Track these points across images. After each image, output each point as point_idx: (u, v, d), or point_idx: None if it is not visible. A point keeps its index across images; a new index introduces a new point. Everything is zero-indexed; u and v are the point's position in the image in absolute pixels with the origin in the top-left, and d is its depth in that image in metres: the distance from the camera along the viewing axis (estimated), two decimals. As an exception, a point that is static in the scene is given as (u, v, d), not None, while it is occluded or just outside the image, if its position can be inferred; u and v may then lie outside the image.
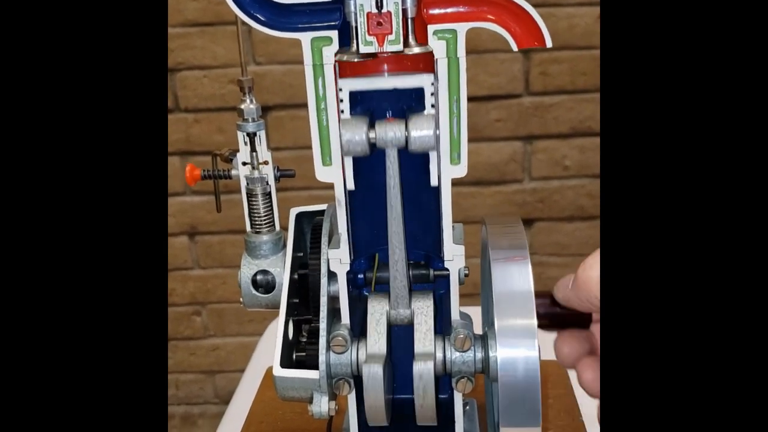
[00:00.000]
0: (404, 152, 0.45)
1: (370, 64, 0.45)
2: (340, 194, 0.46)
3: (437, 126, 0.44)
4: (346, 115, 0.44)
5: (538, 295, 0.44)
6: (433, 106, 0.44)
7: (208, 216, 1.30)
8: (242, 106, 0.50)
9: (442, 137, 0.44)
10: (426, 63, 0.44)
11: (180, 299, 1.36)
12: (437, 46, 0.42)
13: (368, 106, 0.45)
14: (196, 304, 1.37)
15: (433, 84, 0.43)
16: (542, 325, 0.46)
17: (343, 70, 0.45)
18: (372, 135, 0.44)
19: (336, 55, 0.43)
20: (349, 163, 0.45)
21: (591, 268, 0.43)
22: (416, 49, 0.42)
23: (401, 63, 0.45)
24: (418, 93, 0.44)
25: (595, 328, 0.46)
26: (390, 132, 0.43)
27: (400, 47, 0.41)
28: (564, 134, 1.22)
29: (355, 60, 0.43)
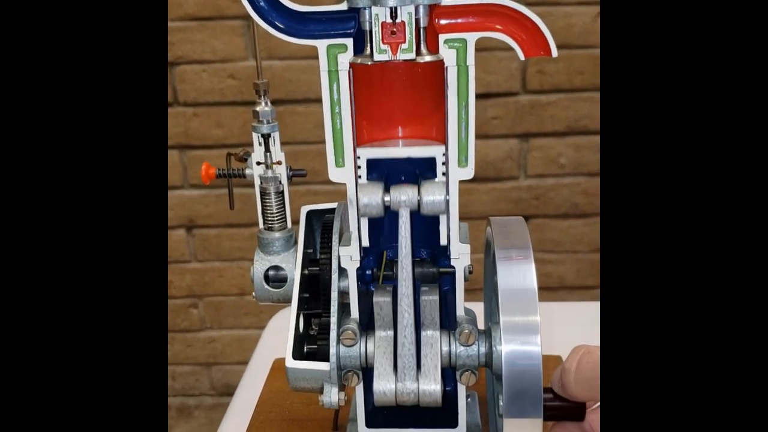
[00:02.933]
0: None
1: (386, 133, 0.50)
2: (351, 194, 0.48)
3: (447, 191, 0.47)
4: (363, 180, 0.48)
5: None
6: (444, 174, 0.47)
7: (205, 209, 1.30)
8: (257, 109, 0.51)
9: (450, 141, 0.46)
10: (438, 131, 0.48)
11: (177, 292, 1.38)
12: (448, 55, 0.44)
13: (384, 171, 0.49)
14: (193, 296, 1.38)
15: (444, 155, 0.47)
16: (548, 418, 0.47)
17: (361, 137, 0.48)
18: (387, 198, 0.47)
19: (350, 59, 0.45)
20: (364, 223, 0.49)
21: (568, 372, 0.45)
22: (428, 58, 0.44)
23: (416, 129, 0.50)
24: (430, 161, 0.48)
25: (591, 417, 0.48)
26: (403, 196, 0.47)
27: (412, 56, 0.43)
28: (560, 132, 1.23)
29: (369, 63, 0.44)
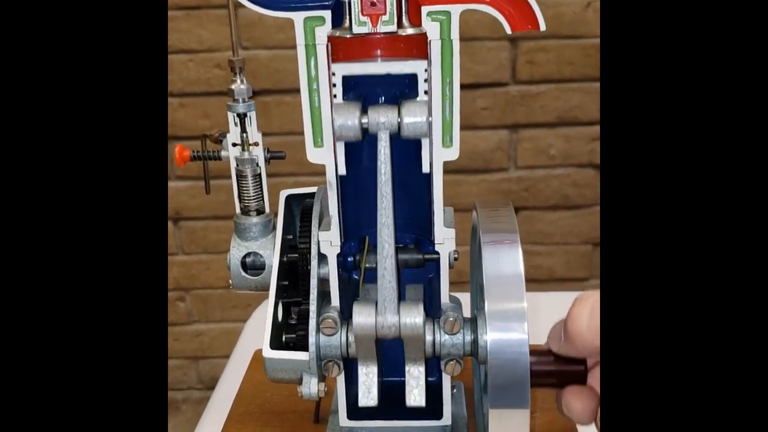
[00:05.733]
0: (396, 137, 0.45)
1: (364, 48, 0.44)
2: (331, 176, 0.46)
3: (430, 113, 0.44)
4: (339, 99, 0.44)
5: (534, 352, 0.43)
6: (426, 92, 0.44)
7: (192, 201, 1.29)
8: (233, 87, 0.49)
9: (434, 120, 0.44)
10: (420, 49, 0.44)
11: (164, 285, 1.36)
12: (431, 28, 0.42)
13: (361, 92, 0.45)
14: (180, 289, 1.37)
15: (426, 70, 0.43)
16: (545, 384, 0.45)
17: (336, 54, 0.44)
18: (364, 120, 0.44)
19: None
20: (341, 148, 0.45)
21: (580, 319, 0.42)
22: (410, 30, 0.42)
23: (395, 48, 0.45)
24: (411, 79, 0.44)
25: (592, 376, 0.46)
26: (383, 117, 0.43)
27: (393, 28, 0.41)
28: (550, 123, 1.22)
29: (348, 36, 0.42)
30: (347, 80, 0.44)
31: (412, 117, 0.43)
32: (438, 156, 0.45)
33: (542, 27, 0.41)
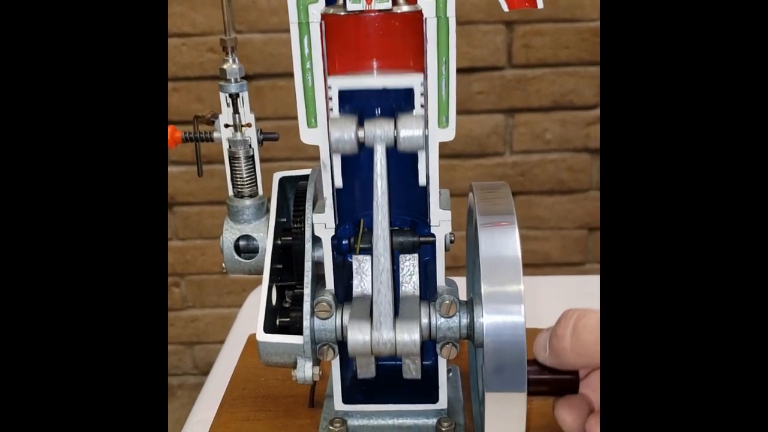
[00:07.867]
0: None
1: (360, 62, 0.45)
2: (325, 158, 0.45)
3: (426, 126, 0.44)
4: (335, 113, 0.44)
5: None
6: (422, 106, 0.44)
7: (186, 186, 1.28)
8: (225, 66, 0.48)
9: (430, 99, 0.43)
10: (416, 61, 0.44)
11: (158, 270, 1.35)
12: (426, 5, 0.41)
13: (357, 104, 0.45)
14: (175, 275, 1.36)
15: (422, 84, 0.44)
16: (538, 393, 0.46)
17: (332, 66, 0.45)
18: (361, 134, 0.44)
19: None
20: (337, 161, 0.45)
21: (563, 338, 0.43)
22: (405, 8, 0.41)
23: (392, 57, 0.45)
24: (407, 92, 0.44)
25: (584, 384, 0.47)
26: (379, 131, 0.44)
27: (388, 5, 0.41)
28: (546, 107, 1.21)
29: (342, 14, 0.41)
30: (343, 94, 0.44)
31: (408, 131, 0.44)
32: (434, 137, 0.44)
33: (540, 5, 0.40)
